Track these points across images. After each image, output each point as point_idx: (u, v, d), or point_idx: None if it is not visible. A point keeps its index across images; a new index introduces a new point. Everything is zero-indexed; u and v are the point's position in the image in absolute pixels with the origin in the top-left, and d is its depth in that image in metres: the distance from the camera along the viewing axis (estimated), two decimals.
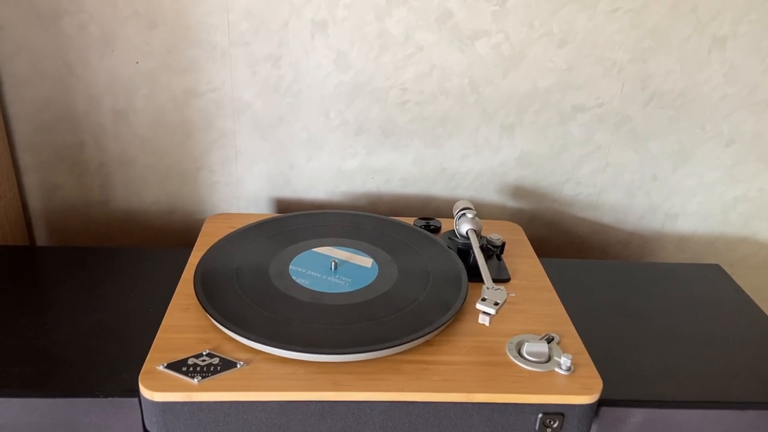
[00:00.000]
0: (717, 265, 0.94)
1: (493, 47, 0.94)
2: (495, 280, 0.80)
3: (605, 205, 1.07)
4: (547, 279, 0.82)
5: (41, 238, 1.05)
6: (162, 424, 0.62)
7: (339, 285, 0.74)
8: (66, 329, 0.73)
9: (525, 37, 0.93)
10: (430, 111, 0.98)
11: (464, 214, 0.85)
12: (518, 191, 1.05)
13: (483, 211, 1.06)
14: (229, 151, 0.99)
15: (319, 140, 0.99)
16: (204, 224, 0.90)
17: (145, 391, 0.61)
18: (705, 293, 0.87)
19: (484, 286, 0.69)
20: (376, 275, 0.77)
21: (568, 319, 0.74)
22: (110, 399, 0.64)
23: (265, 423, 0.62)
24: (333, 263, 0.78)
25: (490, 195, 1.05)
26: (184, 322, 0.70)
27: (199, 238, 0.87)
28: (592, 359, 0.68)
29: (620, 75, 0.96)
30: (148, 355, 0.65)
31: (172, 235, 1.05)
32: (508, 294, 0.68)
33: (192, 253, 0.83)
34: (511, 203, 1.06)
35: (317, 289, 0.73)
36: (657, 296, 0.86)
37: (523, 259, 0.86)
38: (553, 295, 0.79)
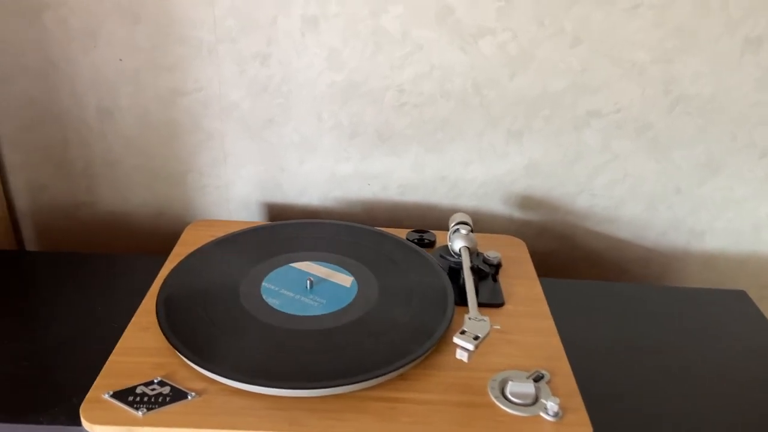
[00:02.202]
0: (743, 292, 0.85)
1: (499, 47, 0.86)
2: (487, 305, 0.74)
3: (623, 219, 0.98)
4: (546, 305, 0.74)
5: (29, 240, 1.02)
6: None
7: (312, 307, 0.69)
8: (21, 344, 0.69)
9: (534, 36, 0.85)
10: (429, 114, 0.90)
11: (458, 229, 0.78)
12: (526, 202, 0.97)
13: (487, 223, 0.98)
14: (217, 153, 0.94)
15: (312, 143, 0.93)
16: (184, 231, 0.85)
17: (85, 423, 0.56)
18: (727, 325, 0.78)
19: (466, 315, 0.62)
20: (354, 296, 0.71)
21: (563, 353, 0.67)
22: (55, 427, 0.60)
23: None
24: (308, 281, 0.72)
25: (496, 205, 0.97)
26: (141, 344, 0.65)
27: (175, 248, 0.82)
28: (588, 402, 0.60)
29: (641, 78, 0.88)
30: (95, 382, 0.60)
31: (160, 239, 1.01)
32: (492, 326, 0.61)
33: (165, 264, 0.78)
34: (518, 215, 0.98)
35: (287, 311, 0.68)
36: (672, 327, 0.78)
37: (522, 280, 0.79)
38: (550, 324, 0.71)
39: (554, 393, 0.61)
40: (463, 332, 0.60)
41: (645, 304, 0.82)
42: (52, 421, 0.60)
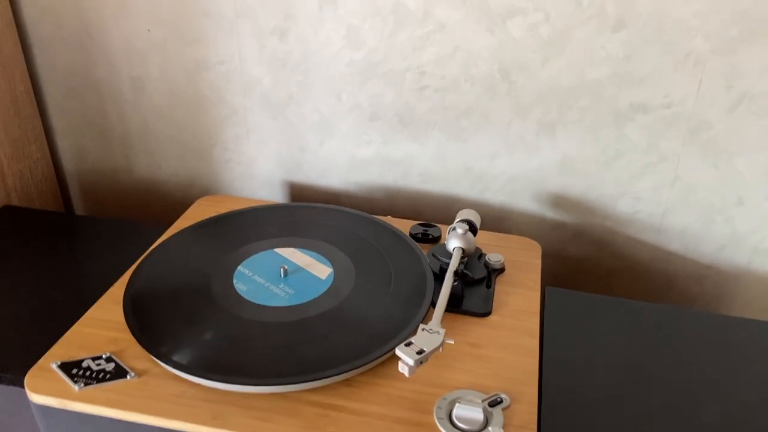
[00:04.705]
0: None
1: (530, 28, 0.77)
2: (471, 313, 0.67)
3: (672, 229, 0.86)
4: (537, 319, 0.67)
5: (76, 202, 1.07)
6: (45, 425, 0.59)
7: (277, 297, 0.66)
8: (16, 302, 0.72)
9: (570, 17, 0.76)
10: (452, 100, 0.84)
11: (455, 228, 0.72)
12: (560, 201, 0.88)
13: (516, 221, 0.90)
14: (240, 128, 0.94)
15: (331, 124, 0.90)
16: (192, 205, 0.86)
17: (27, 390, 0.58)
18: None
19: (420, 325, 0.57)
20: (325, 290, 0.67)
21: (536, 377, 0.59)
22: (12, 387, 0.62)
23: None
24: (282, 270, 0.69)
25: (526, 203, 0.89)
26: (108, 316, 0.66)
27: (178, 221, 0.82)
28: None
29: (697, 69, 0.76)
30: (50, 349, 0.61)
31: None
32: (444, 341, 0.55)
33: (162, 237, 0.79)
34: (551, 215, 0.89)
35: (251, 299, 0.66)
36: (706, 365, 0.66)
37: (522, 289, 0.72)
38: (534, 342, 0.64)
39: (508, 422, 0.55)
40: (408, 344, 0.55)
41: (678, 332, 0.71)
42: (11, 382, 0.62)
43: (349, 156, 0.91)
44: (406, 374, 0.54)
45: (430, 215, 0.93)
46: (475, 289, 0.71)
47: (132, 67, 0.92)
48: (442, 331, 0.56)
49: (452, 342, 0.56)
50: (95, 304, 0.68)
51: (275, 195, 0.98)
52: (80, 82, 0.96)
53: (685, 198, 0.84)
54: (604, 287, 0.93)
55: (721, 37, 0.73)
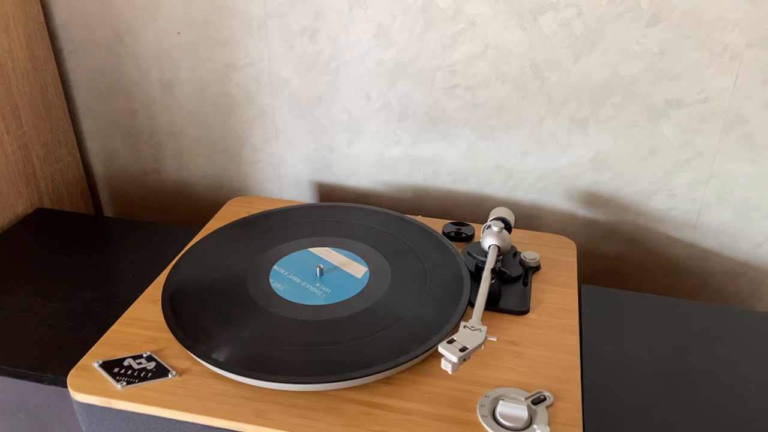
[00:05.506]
0: None
1: (562, 24, 0.77)
2: (509, 311, 0.67)
3: (708, 226, 0.85)
4: (576, 317, 0.66)
5: (105, 204, 1.08)
6: (87, 423, 0.59)
7: (314, 296, 0.66)
8: (51, 303, 0.72)
9: (603, 13, 0.75)
10: (483, 98, 0.83)
11: (490, 226, 0.72)
12: (592, 199, 0.87)
13: (547, 219, 0.90)
14: (269, 129, 0.94)
15: (360, 124, 0.90)
16: (223, 206, 0.86)
17: (70, 389, 0.58)
18: None
19: (462, 323, 0.57)
20: (361, 288, 0.67)
21: (578, 374, 0.59)
22: (53, 387, 0.62)
23: None
24: (318, 269, 0.69)
25: (557, 200, 0.88)
26: (145, 316, 0.66)
27: (210, 222, 0.82)
28: None
29: (733, 64, 0.75)
30: (91, 349, 0.62)
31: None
32: (486, 338, 0.55)
33: (195, 238, 0.79)
34: (583, 212, 0.88)
35: (288, 298, 0.66)
36: (746, 362, 0.65)
37: (558, 287, 0.71)
38: (574, 339, 0.63)
39: (553, 420, 0.54)
40: (451, 341, 0.54)
41: (715, 330, 0.70)
42: (52, 382, 0.62)
43: (378, 156, 0.91)
44: (449, 371, 0.54)
45: (459, 214, 0.92)
46: (511, 287, 0.70)
47: (161, 69, 0.93)
48: (484, 328, 0.56)
49: (494, 339, 0.56)
50: (133, 304, 0.68)
51: (304, 195, 0.98)
52: (110, 85, 0.96)
53: (721, 194, 0.83)
54: (637, 285, 0.92)
55: (757, 30, 0.72)
